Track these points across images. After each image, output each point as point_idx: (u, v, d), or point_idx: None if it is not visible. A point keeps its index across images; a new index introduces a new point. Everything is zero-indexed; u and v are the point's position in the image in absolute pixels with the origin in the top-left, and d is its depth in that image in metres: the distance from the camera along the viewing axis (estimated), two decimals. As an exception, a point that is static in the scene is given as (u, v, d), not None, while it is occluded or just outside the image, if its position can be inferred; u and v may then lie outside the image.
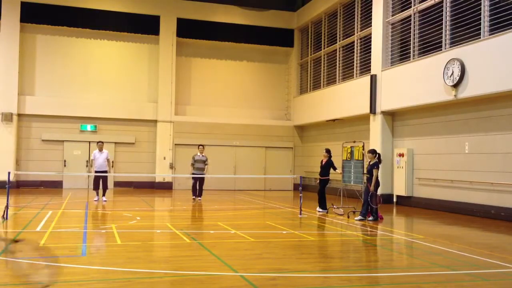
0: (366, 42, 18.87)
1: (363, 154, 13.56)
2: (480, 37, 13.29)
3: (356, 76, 19.44)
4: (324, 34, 22.26)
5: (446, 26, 14.72)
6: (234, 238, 9.25)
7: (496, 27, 12.94)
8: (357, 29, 19.52)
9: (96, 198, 15.80)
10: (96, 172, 15.75)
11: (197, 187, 16.85)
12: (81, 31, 22.32)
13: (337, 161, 14.75)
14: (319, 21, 22.80)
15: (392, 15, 17.24)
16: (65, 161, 21.84)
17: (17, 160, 21.12)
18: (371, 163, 12.40)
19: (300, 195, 13.27)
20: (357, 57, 19.56)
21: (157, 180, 22.71)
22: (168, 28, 23.04)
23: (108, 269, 6.39)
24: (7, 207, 10.91)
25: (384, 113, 17.27)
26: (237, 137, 23.89)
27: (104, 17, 22.35)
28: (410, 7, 16.34)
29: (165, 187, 22.60)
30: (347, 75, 20.35)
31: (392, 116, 17.42)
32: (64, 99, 21.92)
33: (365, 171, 13.01)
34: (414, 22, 16.16)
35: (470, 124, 14.10)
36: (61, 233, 9.46)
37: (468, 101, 13.93)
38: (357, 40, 19.53)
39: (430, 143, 15.69)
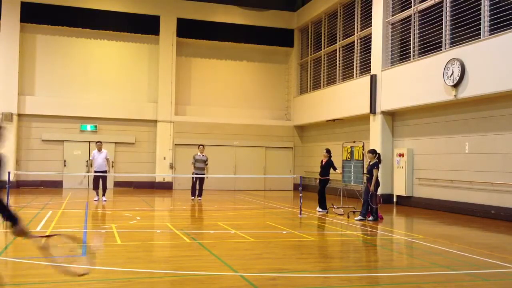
0: (366, 42, 18.87)
1: (363, 154, 13.56)
2: (480, 37, 13.29)
3: (356, 76, 19.44)
4: (324, 34, 22.26)
5: (446, 26, 14.72)
6: (234, 238, 9.25)
7: (496, 27, 12.93)
8: (357, 29, 19.52)
9: (96, 198, 15.80)
10: (95, 172, 15.75)
11: (197, 187, 16.84)
12: (81, 31, 22.32)
13: (337, 161, 14.75)
14: (319, 21, 22.80)
15: (392, 15, 17.24)
16: (65, 161, 21.84)
17: (17, 160, 21.12)
18: (371, 163, 12.40)
19: (300, 195, 13.27)
20: (357, 57, 19.56)
21: (157, 180, 22.71)
22: (168, 28, 23.05)
23: (108, 269, 6.38)
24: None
25: (384, 113, 17.27)
26: (237, 137, 23.89)
27: (104, 17, 22.35)
28: (410, 7, 16.34)
29: (165, 187, 22.61)
30: (347, 75, 20.35)
31: (392, 116, 17.42)
32: (64, 99, 21.92)
33: (365, 171, 13.02)
34: (414, 22, 16.16)
35: (470, 124, 14.10)
36: (61, 233, 9.45)
37: (468, 101, 13.93)
38: (357, 40, 19.54)
39: (430, 143, 15.69)
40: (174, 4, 23.23)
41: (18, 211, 12.63)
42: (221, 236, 9.56)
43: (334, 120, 21.00)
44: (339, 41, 20.88)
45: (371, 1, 18.11)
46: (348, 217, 12.70)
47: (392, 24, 17.33)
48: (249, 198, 19.08)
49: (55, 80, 22.05)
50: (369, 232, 10.55)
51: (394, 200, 17.04)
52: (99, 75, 22.64)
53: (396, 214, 14.41)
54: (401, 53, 16.99)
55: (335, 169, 14.08)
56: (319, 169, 14.43)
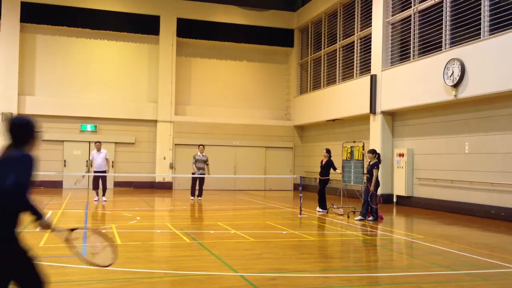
0: (366, 42, 18.87)
1: (363, 154, 13.56)
2: (480, 37, 13.29)
3: (356, 76, 19.44)
4: (324, 34, 22.26)
5: (446, 26, 14.72)
6: (234, 238, 9.25)
7: (496, 27, 12.93)
8: (357, 29, 19.52)
9: (96, 198, 15.80)
10: (95, 172, 15.75)
11: (197, 187, 16.83)
12: (81, 31, 22.32)
13: (337, 161, 14.75)
14: (319, 21, 22.80)
15: (392, 15, 17.24)
16: (65, 161, 21.85)
17: (17, 160, 21.08)
18: (371, 163, 12.40)
19: (300, 195, 13.27)
20: (357, 57, 19.56)
21: (157, 180, 22.71)
22: (168, 28, 23.05)
23: (108, 269, 6.38)
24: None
25: (384, 113, 17.27)
26: (237, 137, 23.89)
27: (104, 17, 22.35)
28: (410, 7, 16.34)
29: (165, 187, 22.60)
30: (347, 75, 20.35)
31: (392, 116, 17.42)
32: (64, 99, 21.92)
33: (365, 171, 13.02)
34: (414, 22, 16.16)
35: (470, 124, 14.10)
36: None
37: (468, 101, 13.93)
38: (357, 40, 19.54)
39: (430, 143, 15.69)
40: (174, 4, 23.23)
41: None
42: (221, 236, 9.56)
43: (334, 120, 21.00)
44: (339, 41, 20.88)
45: (371, 1, 18.11)
46: (348, 217, 12.70)
47: (392, 24, 17.33)
48: (249, 198, 19.08)
49: (55, 80, 22.05)
50: (369, 232, 10.55)
51: (394, 200, 17.04)
52: (99, 75, 22.63)
53: (396, 214, 14.41)
54: (401, 53, 16.99)
55: (335, 169, 14.08)
56: (319, 169, 14.43)
